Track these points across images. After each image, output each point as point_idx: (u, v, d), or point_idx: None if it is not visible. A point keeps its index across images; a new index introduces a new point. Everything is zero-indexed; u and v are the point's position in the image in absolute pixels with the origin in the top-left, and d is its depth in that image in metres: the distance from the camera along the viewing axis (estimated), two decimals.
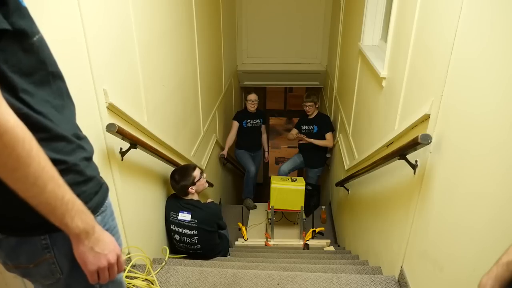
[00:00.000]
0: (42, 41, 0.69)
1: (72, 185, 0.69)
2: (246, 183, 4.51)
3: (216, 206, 2.49)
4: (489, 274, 0.64)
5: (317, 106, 4.23)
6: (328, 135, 4.14)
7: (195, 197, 2.42)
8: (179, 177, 2.32)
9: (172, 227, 2.33)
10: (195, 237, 2.30)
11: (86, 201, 0.76)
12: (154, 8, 2.03)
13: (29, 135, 0.60)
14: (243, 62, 5.70)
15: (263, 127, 4.69)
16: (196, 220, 2.29)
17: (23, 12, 0.64)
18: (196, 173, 2.39)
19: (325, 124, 4.20)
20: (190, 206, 2.32)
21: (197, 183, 2.39)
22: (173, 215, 2.32)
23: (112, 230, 0.89)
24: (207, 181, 2.64)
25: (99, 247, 0.75)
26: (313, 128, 4.21)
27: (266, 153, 5.00)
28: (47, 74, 0.70)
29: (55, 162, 0.66)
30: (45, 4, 1.10)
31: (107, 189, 0.88)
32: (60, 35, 1.19)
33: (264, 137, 4.80)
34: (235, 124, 4.40)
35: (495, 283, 0.62)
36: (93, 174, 0.81)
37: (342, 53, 4.05)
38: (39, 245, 0.76)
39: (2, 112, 0.56)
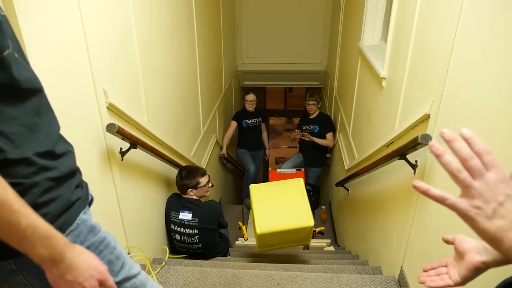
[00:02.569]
0: (12, 56, 0.64)
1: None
2: (246, 183, 4.52)
3: (216, 204, 2.50)
4: None
5: (319, 106, 4.24)
6: (329, 135, 4.16)
7: (195, 196, 2.43)
8: (186, 175, 2.34)
9: (172, 227, 2.32)
10: (196, 237, 2.30)
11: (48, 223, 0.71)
12: (154, 8, 2.03)
13: None
14: (243, 62, 5.70)
15: (263, 125, 4.69)
16: (197, 219, 2.28)
17: None
18: (203, 179, 2.40)
19: (326, 124, 4.22)
20: (191, 205, 2.32)
21: (199, 189, 2.38)
22: (174, 215, 2.32)
23: (98, 245, 0.84)
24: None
25: (71, 274, 0.69)
26: (314, 128, 4.23)
27: (267, 150, 5.00)
28: (18, 91, 0.65)
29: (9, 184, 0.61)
30: (45, 4, 1.10)
31: (81, 205, 0.82)
32: (60, 35, 1.19)
33: (264, 135, 4.80)
34: (233, 124, 4.43)
35: None
36: (58, 194, 0.75)
37: (342, 53, 4.05)
38: (5, 269, 0.73)
39: None
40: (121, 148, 1.66)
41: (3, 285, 0.75)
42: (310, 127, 4.27)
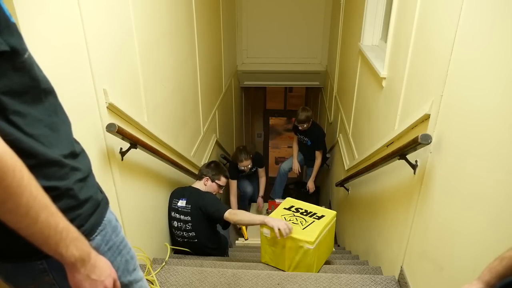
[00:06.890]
0: (31, 58, 0.66)
1: (66, 210, 0.67)
2: (242, 201, 4.28)
3: (209, 193, 2.47)
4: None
5: (309, 122, 4.04)
6: (318, 153, 4.19)
7: (205, 188, 2.54)
8: (214, 166, 2.59)
9: (172, 214, 2.41)
10: (189, 224, 2.37)
11: (81, 224, 0.73)
12: (154, 8, 2.03)
13: (20, 163, 0.56)
14: (243, 62, 5.70)
15: (261, 171, 4.14)
16: (189, 206, 2.36)
17: (12, 29, 0.60)
18: (223, 180, 2.65)
19: (317, 141, 4.18)
20: (189, 193, 2.42)
21: (214, 183, 2.58)
22: (174, 202, 2.41)
23: (118, 245, 0.87)
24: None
25: (95, 274, 0.72)
26: (307, 141, 4.23)
27: (260, 199, 4.24)
28: (39, 91, 0.67)
29: (47, 189, 0.62)
30: (45, 5, 1.10)
31: (106, 205, 0.84)
32: (60, 36, 1.19)
33: (262, 181, 4.19)
34: (233, 183, 3.91)
35: (491, 276, 0.63)
36: (89, 194, 0.77)
37: (342, 53, 4.05)
38: (36, 269, 0.74)
39: None
40: (121, 148, 1.66)
41: (30, 285, 0.77)
42: (303, 138, 4.27)
